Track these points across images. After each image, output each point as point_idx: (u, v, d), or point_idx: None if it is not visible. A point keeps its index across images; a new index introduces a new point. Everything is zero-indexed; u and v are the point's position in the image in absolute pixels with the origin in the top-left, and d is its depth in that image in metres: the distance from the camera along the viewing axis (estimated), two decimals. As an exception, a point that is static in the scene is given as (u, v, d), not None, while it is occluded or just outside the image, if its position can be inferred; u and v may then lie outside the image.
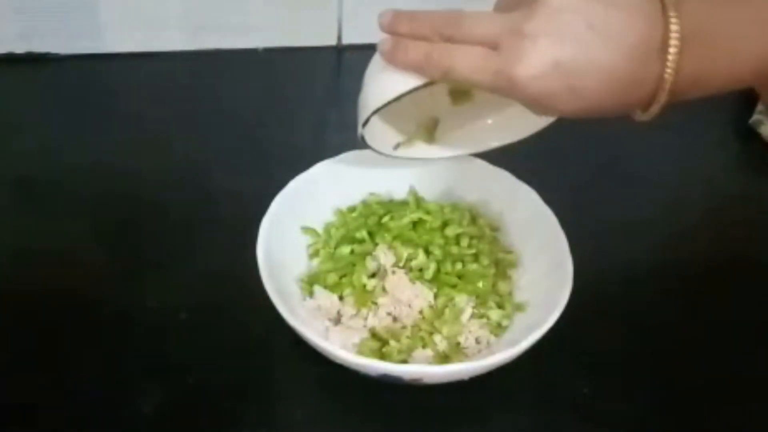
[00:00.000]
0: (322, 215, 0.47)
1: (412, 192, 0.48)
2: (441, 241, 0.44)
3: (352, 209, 0.48)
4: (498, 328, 0.42)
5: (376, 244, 0.44)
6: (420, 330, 0.41)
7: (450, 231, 0.45)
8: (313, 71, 0.67)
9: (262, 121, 0.60)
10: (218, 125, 0.59)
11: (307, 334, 0.37)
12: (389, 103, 0.37)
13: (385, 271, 0.43)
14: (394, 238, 0.44)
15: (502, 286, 0.44)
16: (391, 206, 0.47)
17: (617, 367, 0.42)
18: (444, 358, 0.40)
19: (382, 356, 0.40)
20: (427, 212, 0.46)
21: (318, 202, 0.47)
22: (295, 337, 0.38)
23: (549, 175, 0.48)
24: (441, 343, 0.41)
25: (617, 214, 0.53)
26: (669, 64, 0.33)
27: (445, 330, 0.41)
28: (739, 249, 0.51)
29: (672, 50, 0.32)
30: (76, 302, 0.44)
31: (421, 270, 0.43)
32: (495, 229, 0.47)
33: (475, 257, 0.44)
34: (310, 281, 0.43)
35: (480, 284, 0.43)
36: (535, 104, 0.35)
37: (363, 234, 0.45)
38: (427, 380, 0.38)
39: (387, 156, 0.44)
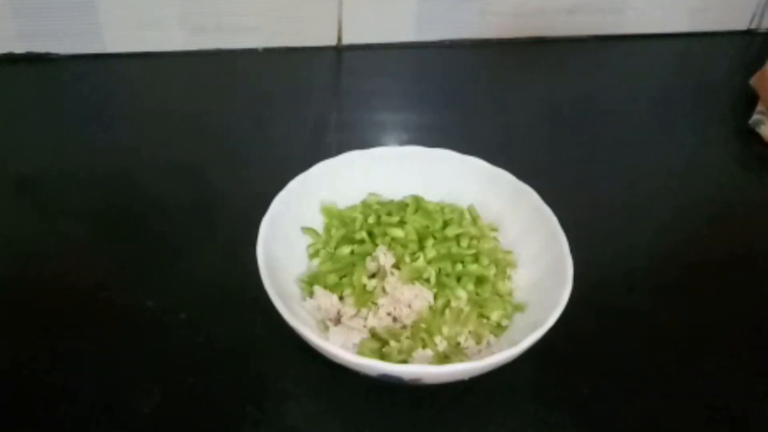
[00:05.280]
0: (322, 215, 0.47)
1: (412, 192, 0.48)
2: (441, 241, 0.44)
3: (352, 209, 0.48)
4: (498, 328, 0.42)
5: (376, 245, 0.44)
6: (420, 330, 0.41)
7: (450, 231, 0.45)
8: (313, 71, 0.67)
9: (262, 121, 0.60)
10: (218, 125, 0.59)
11: (307, 334, 0.37)
12: None
13: (385, 271, 0.43)
14: (394, 238, 0.44)
15: (502, 286, 0.44)
16: (391, 206, 0.47)
17: (617, 367, 0.42)
18: (444, 359, 0.40)
19: (382, 356, 0.40)
20: (427, 212, 0.46)
21: (318, 203, 0.47)
22: (295, 337, 0.38)
23: (549, 175, 0.48)
24: (441, 343, 0.41)
25: (617, 214, 0.53)
26: None
27: (445, 330, 0.41)
28: (739, 249, 0.51)
29: None
30: (76, 302, 0.44)
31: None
32: (495, 229, 0.47)
33: (475, 257, 0.44)
34: (310, 281, 0.43)
35: (480, 284, 0.43)
36: None
37: (363, 234, 0.45)
38: (427, 380, 0.38)
39: None
